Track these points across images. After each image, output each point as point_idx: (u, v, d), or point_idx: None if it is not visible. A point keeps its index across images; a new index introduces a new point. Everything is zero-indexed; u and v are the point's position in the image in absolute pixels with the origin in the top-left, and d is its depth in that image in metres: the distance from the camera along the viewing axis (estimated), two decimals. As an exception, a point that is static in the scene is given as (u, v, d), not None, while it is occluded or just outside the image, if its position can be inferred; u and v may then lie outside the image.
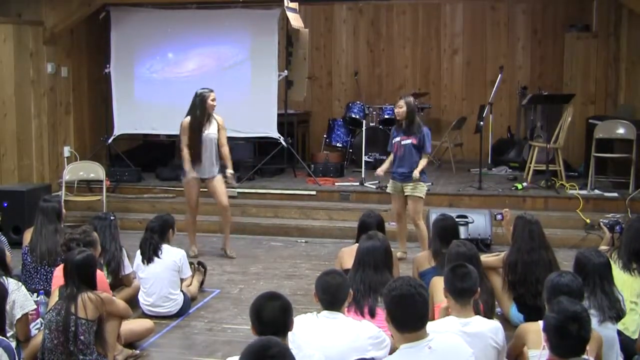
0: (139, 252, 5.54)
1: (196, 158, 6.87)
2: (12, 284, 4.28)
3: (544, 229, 5.16)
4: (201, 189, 7.16)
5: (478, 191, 8.46)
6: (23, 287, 4.45)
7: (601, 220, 6.01)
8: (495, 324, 3.69)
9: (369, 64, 11.82)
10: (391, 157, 6.86)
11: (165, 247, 5.53)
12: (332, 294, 3.63)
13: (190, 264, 5.91)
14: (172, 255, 5.52)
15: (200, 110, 6.84)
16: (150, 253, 5.46)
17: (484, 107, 9.51)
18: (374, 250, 4.45)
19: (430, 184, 7.86)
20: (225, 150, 6.95)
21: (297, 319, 3.50)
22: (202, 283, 6.17)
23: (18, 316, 4.27)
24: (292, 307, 3.17)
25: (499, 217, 5.93)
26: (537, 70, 11.20)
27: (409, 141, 6.66)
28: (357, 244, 4.96)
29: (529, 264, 4.93)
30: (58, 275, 4.53)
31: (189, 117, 6.92)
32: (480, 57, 11.42)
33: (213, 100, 6.84)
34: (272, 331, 2.99)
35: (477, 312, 3.81)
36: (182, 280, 5.64)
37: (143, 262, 5.48)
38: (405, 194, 6.73)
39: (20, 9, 9.17)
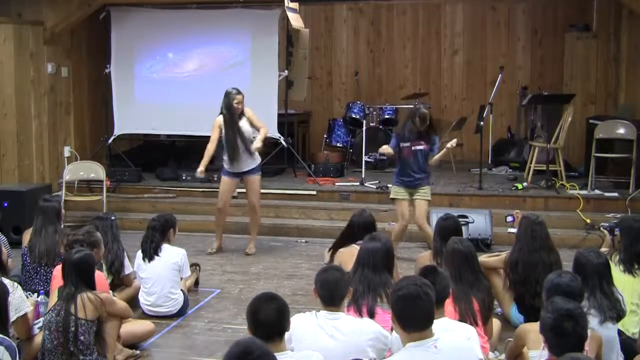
0: (139, 252, 5.55)
1: (233, 153, 6.98)
2: (7, 285, 4.23)
3: (544, 229, 5.15)
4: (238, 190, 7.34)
5: (478, 191, 8.46)
6: (19, 288, 4.39)
7: (602, 224, 6.00)
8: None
9: (369, 64, 11.81)
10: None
11: (165, 247, 5.53)
12: (331, 290, 3.63)
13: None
14: (172, 254, 5.52)
15: (227, 110, 6.97)
16: (151, 251, 5.46)
17: (484, 107, 9.50)
18: (374, 251, 4.44)
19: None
20: (264, 131, 7.08)
21: (296, 318, 3.50)
22: (197, 281, 6.20)
23: (13, 319, 4.23)
24: (290, 308, 3.16)
25: (509, 219, 5.88)
26: (537, 70, 11.19)
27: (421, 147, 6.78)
28: (353, 246, 5.00)
29: (529, 264, 4.92)
30: (57, 275, 4.52)
31: (221, 116, 7.04)
32: (480, 57, 11.41)
33: (237, 103, 6.96)
34: (267, 333, 3.00)
35: (472, 314, 3.83)
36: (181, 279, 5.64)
37: (144, 261, 5.47)
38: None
39: (20, 9, 9.16)
